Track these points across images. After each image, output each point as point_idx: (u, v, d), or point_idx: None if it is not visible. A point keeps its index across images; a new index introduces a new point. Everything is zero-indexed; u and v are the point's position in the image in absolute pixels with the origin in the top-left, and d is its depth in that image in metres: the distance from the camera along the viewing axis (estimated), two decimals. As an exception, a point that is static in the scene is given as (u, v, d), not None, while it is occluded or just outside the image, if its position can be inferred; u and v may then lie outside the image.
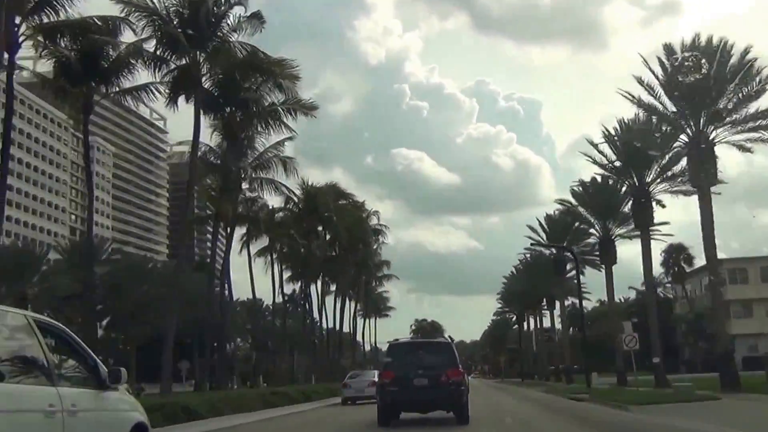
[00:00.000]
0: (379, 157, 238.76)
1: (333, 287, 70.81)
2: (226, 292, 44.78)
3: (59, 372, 6.18)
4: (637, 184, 38.98)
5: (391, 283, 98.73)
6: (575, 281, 46.49)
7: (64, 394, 5.92)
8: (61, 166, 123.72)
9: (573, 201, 49.19)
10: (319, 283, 66.91)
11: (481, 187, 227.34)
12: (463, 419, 17.13)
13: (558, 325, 73.45)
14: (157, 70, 31.28)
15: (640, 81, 31.28)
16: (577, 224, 52.90)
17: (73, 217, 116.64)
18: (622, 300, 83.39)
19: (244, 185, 43.61)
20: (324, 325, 72.64)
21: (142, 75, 35.54)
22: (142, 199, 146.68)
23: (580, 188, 47.28)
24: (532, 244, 63.49)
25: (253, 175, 43.21)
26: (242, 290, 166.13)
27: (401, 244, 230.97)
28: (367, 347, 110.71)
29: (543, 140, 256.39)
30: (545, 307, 76.52)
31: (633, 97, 31.77)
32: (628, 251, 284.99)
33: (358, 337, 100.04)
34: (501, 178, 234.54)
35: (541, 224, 60.93)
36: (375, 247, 75.09)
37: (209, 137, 38.38)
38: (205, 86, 32.99)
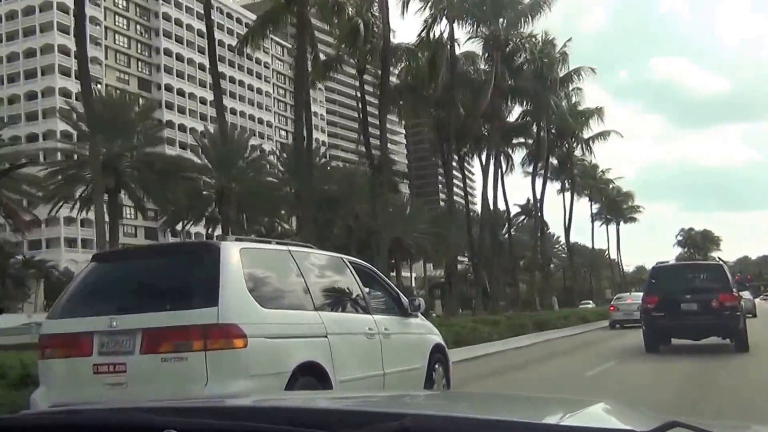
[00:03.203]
0: (634, 70, 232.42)
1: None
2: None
3: (372, 303, 8.08)
4: None
5: (656, 204, 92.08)
6: None
7: (378, 320, 7.85)
8: (263, 77, 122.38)
9: None
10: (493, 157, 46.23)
11: (758, 91, 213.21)
12: (742, 346, 17.39)
13: None
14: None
15: None
16: None
17: (283, 132, 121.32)
18: None
19: None
20: (561, 238, 68.13)
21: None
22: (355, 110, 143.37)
23: None
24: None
25: None
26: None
27: (666, 162, 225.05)
28: (631, 268, 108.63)
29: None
30: None
31: None
32: None
33: (614, 256, 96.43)
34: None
35: None
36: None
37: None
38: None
